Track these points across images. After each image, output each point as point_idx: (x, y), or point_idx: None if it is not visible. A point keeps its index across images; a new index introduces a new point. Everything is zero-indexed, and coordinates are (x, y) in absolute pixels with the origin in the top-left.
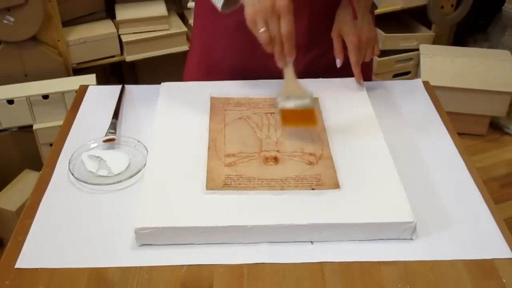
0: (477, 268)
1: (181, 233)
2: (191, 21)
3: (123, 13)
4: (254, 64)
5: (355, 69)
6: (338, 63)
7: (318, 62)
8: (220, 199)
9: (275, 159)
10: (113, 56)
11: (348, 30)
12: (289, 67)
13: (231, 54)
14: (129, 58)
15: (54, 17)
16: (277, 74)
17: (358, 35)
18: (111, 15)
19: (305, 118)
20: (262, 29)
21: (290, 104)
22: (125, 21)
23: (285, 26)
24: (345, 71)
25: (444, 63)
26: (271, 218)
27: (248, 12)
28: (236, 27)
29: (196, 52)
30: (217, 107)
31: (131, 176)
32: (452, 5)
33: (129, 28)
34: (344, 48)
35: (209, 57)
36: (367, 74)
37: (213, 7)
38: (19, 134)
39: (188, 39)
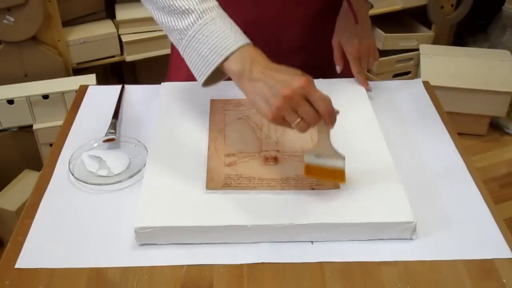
0: (477, 268)
1: (181, 232)
2: None
3: (123, 13)
4: None
5: (358, 77)
6: (338, 69)
7: (314, 62)
8: (220, 199)
9: (275, 159)
10: (113, 56)
11: (347, 43)
12: (327, 131)
13: None
14: (129, 58)
15: (54, 17)
16: None
17: (358, 48)
18: (111, 15)
19: (334, 175)
20: (297, 120)
21: (321, 160)
22: (125, 21)
23: (321, 103)
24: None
25: (444, 63)
26: (271, 218)
27: (267, 112)
28: (242, 27)
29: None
30: (217, 107)
31: (131, 176)
32: (452, 5)
33: (129, 28)
34: (344, 55)
35: None
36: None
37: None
38: (19, 134)
39: None
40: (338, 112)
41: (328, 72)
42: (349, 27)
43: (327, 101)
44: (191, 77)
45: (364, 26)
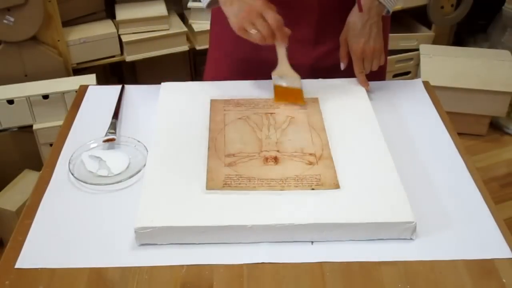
0: (477, 268)
1: (181, 232)
2: (191, 21)
3: (123, 13)
4: (263, 55)
5: (359, 76)
6: (342, 66)
7: (327, 57)
8: (220, 199)
9: (275, 159)
10: (113, 56)
11: (353, 41)
12: (282, 48)
13: (240, 45)
14: (129, 58)
15: (54, 17)
16: None
17: (362, 47)
18: (111, 15)
19: (295, 96)
20: (253, 31)
21: (283, 82)
22: (125, 21)
23: (271, 19)
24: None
25: (444, 63)
26: (271, 218)
27: (234, 22)
28: None
29: (210, 47)
30: (217, 107)
31: (131, 176)
32: (452, 5)
33: (129, 28)
34: (349, 53)
35: (220, 49)
36: (380, 74)
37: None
38: (19, 134)
39: (188, 39)
40: (289, 32)
41: (340, 71)
42: (357, 26)
43: (278, 18)
44: (224, 69)
45: (373, 28)
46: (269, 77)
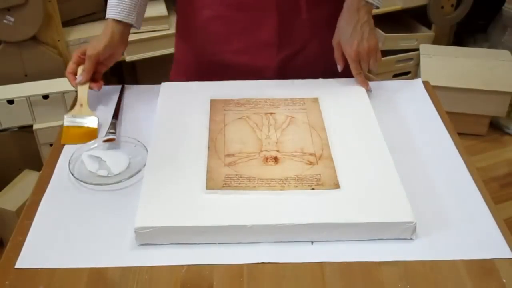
0: (477, 268)
1: (181, 232)
2: None
3: None
4: (228, 59)
5: (357, 78)
6: (339, 68)
7: (294, 59)
8: (220, 199)
9: (275, 159)
10: None
11: (346, 44)
12: (85, 89)
13: (204, 48)
14: (129, 58)
15: (54, 17)
16: (253, 70)
17: (356, 49)
18: None
19: (89, 135)
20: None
21: (76, 122)
22: None
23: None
24: (320, 71)
25: (444, 63)
26: (271, 218)
27: None
28: (208, 19)
29: (177, 49)
30: (217, 107)
31: (131, 176)
32: (452, 5)
33: None
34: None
35: (187, 51)
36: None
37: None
38: (19, 134)
39: None
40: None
41: (306, 74)
42: (348, 28)
43: (70, 67)
44: (190, 71)
45: (365, 28)
46: (240, 79)
